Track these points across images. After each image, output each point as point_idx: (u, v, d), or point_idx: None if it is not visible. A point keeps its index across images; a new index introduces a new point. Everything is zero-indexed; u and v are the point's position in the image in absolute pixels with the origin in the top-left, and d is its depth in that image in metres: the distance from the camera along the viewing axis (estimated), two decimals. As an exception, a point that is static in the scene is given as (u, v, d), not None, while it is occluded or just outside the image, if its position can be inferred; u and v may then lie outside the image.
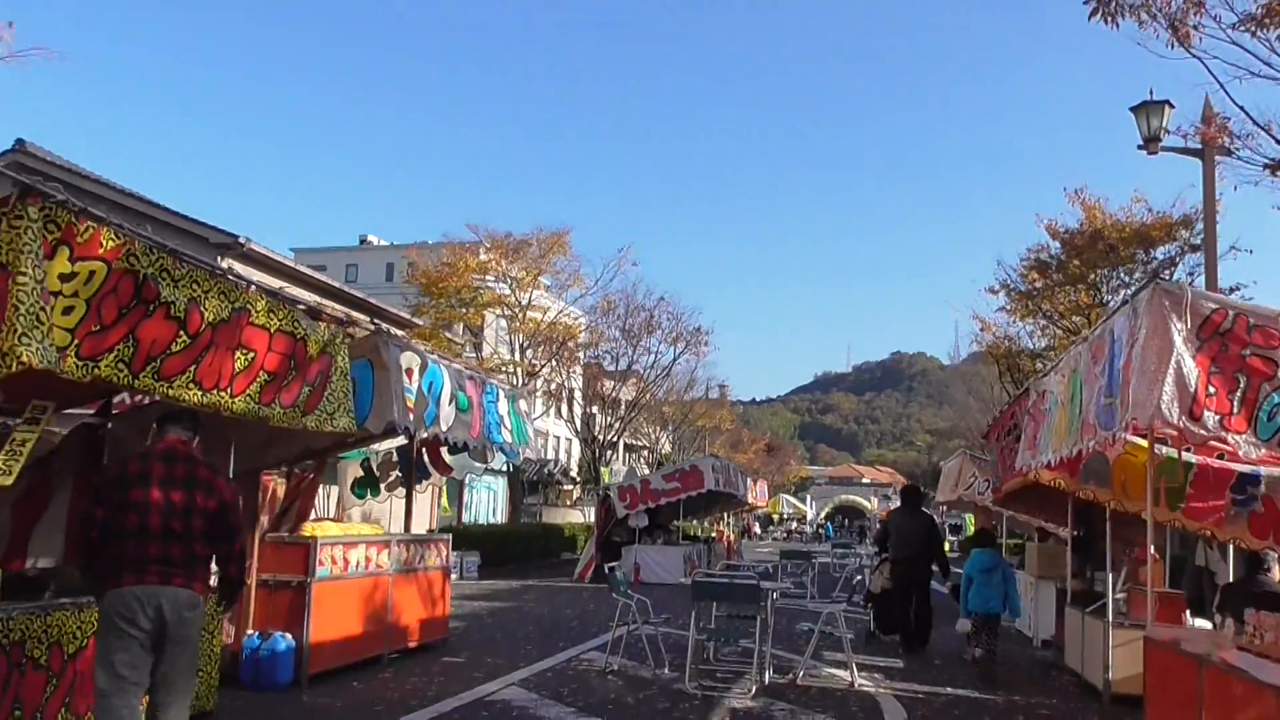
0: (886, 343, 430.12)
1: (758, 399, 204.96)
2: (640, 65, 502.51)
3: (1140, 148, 19.16)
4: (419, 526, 27.59)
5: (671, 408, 46.78)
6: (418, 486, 12.02)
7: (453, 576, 22.74)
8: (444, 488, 36.98)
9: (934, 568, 12.93)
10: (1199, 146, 17.80)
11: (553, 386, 37.66)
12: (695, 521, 36.25)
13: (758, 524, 72.95)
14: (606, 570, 9.52)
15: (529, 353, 29.03)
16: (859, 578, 21.06)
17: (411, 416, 8.18)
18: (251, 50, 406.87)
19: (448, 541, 11.38)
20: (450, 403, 9.08)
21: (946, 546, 27.34)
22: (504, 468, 39.67)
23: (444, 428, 8.97)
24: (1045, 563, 13.14)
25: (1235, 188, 15.19)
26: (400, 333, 8.62)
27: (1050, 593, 12.79)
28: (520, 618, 15.02)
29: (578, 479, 42.98)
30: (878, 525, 64.28)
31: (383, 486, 12.33)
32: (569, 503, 47.76)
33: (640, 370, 38.01)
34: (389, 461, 12.23)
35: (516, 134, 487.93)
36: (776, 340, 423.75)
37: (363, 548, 9.33)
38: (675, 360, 38.06)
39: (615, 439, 38.41)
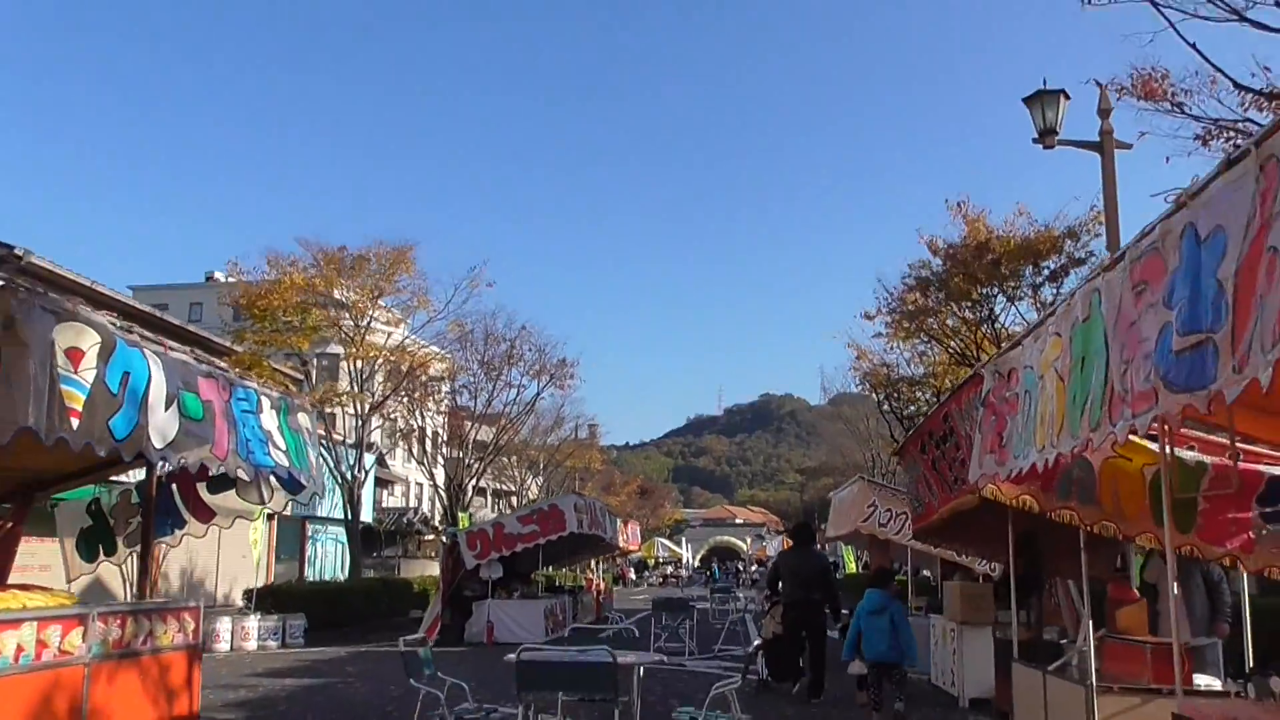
0: (756, 384, 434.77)
1: (631, 443, 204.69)
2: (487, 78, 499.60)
3: (1036, 142, 17.57)
4: (244, 582, 24.14)
5: (538, 449, 43.89)
6: (168, 539, 8.97)
7: (272, 644, 19.52)
8: (273, 540, 33.48)
9: (827, 610, 11.98)
10: (1096, 139, 16.55)
11: (402, 424, 34.36)
12: (563, 569, 33.37)
13: (632, 569, 70.29)
14: (402, 649, 6.60)
15: (371, 382, 25.82)
16: (743, 629, 18.71)
17: (78, 422, 5.28)
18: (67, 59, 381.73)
19: (197, 610, 8.27)
20: (168, 407, 6.19)
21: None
22: (339, 515, 36.19)
23: (157, 442, 6.06)
24: (970, 605, 10.85)
25: (1167, 159, 13.59)
26: (103, 317, 5.47)
27: (981, 643, 10.54)
28: (326, 702, 11.94)
29: (439, 527, 39.54)
30: (755, 565, 62.37)
31: (119, 540, 9.17)
32: (431, 554, 44.14)
33: (501, 407, 35.10)
34: (128, 503, 9.10)
35: (376, 149, 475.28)
36: (649, 385, 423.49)
37: (33, 626, 6.28)
38: (539, 395, 35.29)
39: (473, 481, 35.21)
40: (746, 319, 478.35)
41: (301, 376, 24.73)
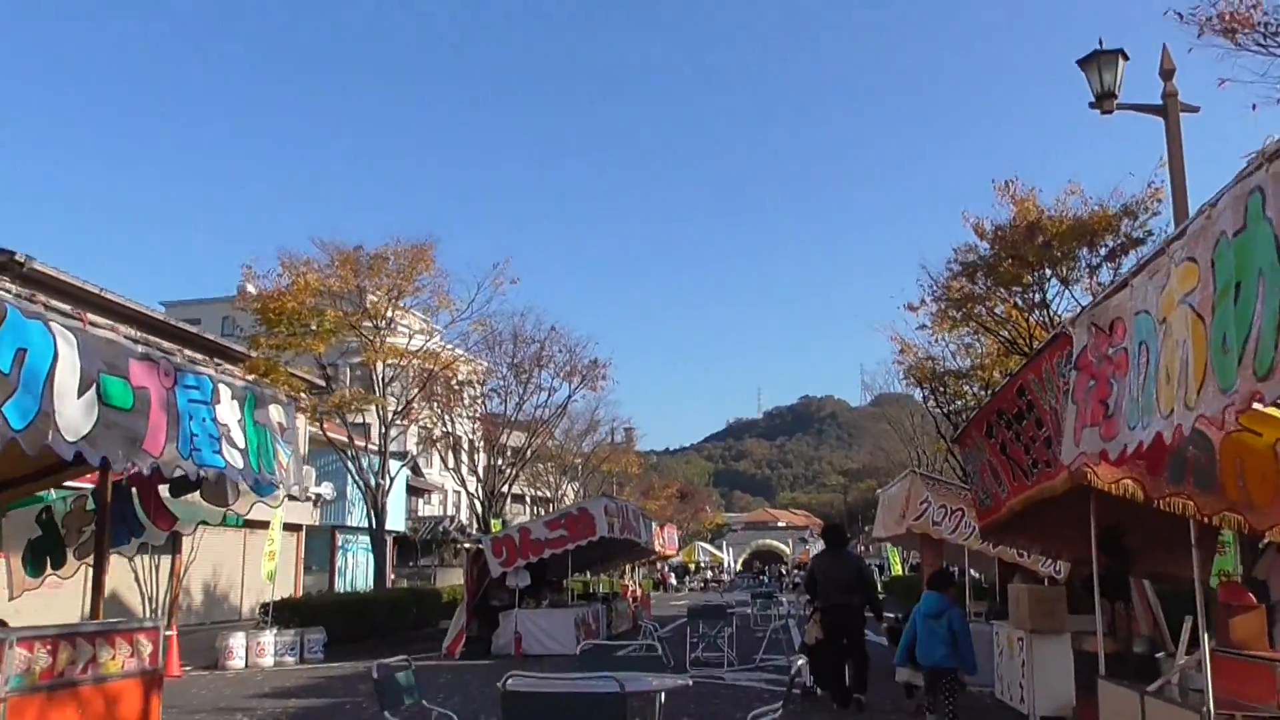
0: (796, 387, 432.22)
1: (671, 448, 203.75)
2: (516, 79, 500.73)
3: (1093, 107, 16.31)
4: (271, 595, 23.27)
5: (573, 454, 42.85)
6: (124, 549, 7.95)
7: (289, 660, 18.58)
8: (300, 550, 32.67)
9: (868, 613, 11.63)
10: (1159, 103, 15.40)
11: (437, 431, 33.44)
12: (597, 576, 32.28)
13: (673, 575, 69.08)
14: (374, 675, 5.47)
15: (394, 386, 24.84)
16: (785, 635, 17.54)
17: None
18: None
19: (156, 631, 7.20)
20: (82, 392, 5.15)
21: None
22: (361, 522, 35.32)
23: (68, 435, 5.01)
24: (1041, 611, 9.58)
25: (1254, 106, 12.22)
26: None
27: (1054, 654, 9.29)
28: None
29: (477, 535, 38.63)
30: (795, 569, 60.99)
31: (70, 552, 8.14)
32: (468, 563, 43.27)
33: (530, 410, 34.07)
34: (81, 511, 8.08)
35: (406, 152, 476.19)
36: (687, 389, 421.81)
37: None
38: (571, 397, 34.19)
39: (506, 488, 34.20)
40: (785, 320, 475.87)
41: (322, 382, 23.79)
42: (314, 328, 21.20)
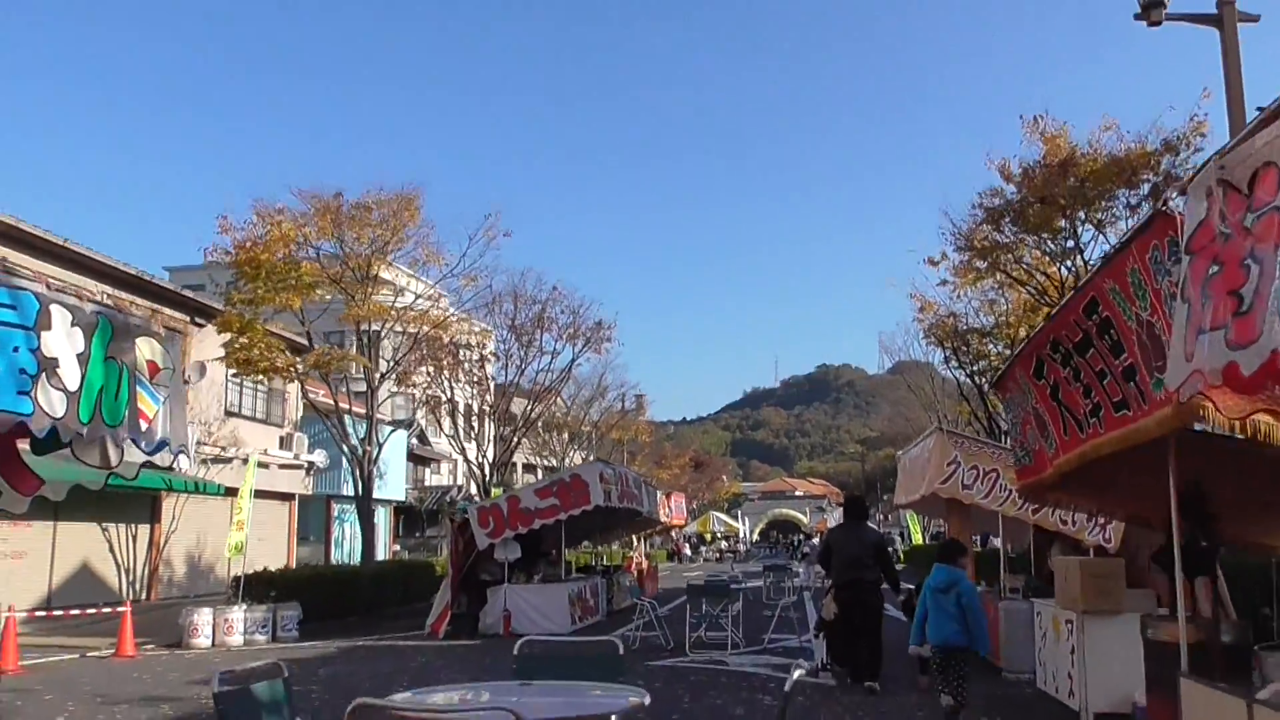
0: (813, 356, 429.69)
1: (688, 418, 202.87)
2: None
3: (1138, 18, 14.67)
4: (263, 567, 21.88)
5: (578, 420, 41.41)
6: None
7: (260, 638, 17.21)
8: (293, 521, 31.42)
9: (884, 587, 10.96)
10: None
11: (437, 396, 32.01)
12: (600, 547, 30.92)
13: (688, 545, 67.83)
14: (216, 689, 3.92)
15: (382, 347, 23.34)
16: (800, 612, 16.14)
17: None
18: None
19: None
20: None
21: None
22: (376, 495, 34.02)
23: None
24: (1096, 589, 8.03)
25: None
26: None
27: (1111, 638, 7.77)
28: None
29: (463, 504, 37.27)
30: (814, 541, 59.74)
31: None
32: (474, 533, 41.94)
33: (533, 375, 32.60)
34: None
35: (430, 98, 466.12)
36: (705, 359, 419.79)
37: None
38: (575, 360, 32.64)
39: (507, 455, 32.77)
40: (801, 289, 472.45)
41: (304, 340, 22.30)
42: (292, 282, 19.67)
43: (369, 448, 22.63)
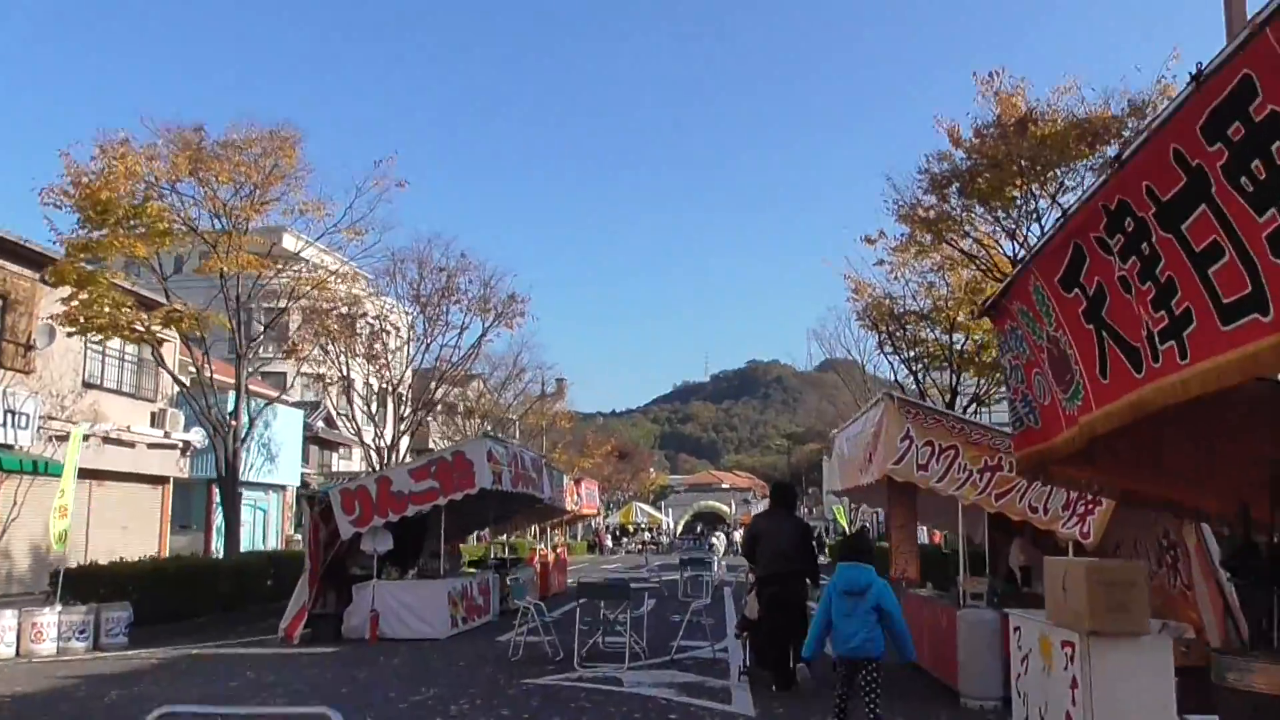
0: (743, 351, 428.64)
1: (618, 410, 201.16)
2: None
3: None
4: (140, 550, 18.88)
5: (490, 402, 38.74)
6: None
7: (78, 645, 14.29)
8: (167, 508, 28.32)
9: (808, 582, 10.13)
10: None
11: (327, 372, 29.15)
12: (517, 537, 28.36)
13: (610, 536, 65.56)
14: None
15: (252, 310, 20.46)
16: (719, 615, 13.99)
17: None
18: None
19: None
20: None
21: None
22: (266, 478, 31.00)
23: None
24: (1110, 602, 5.82)
25: None
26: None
27: (1132, 669, 5.61)
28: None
29: (321, 487, 34.39)
30: (737, 531, 57.90)
31: None
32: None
33: (438, 351, 29.92)
34: None
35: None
36: (637, 352, 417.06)
37: None
38: (485, 334, 29.95)
39: (407, 439, 30.00)
40: (734, 284, 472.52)
41: (158, 298, 19.37)
42: (138, 226, 16.80)
43: (235, 422, 19.80)
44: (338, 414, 36.09)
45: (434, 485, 14.26)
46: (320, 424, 41.23)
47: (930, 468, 9.04)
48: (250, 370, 21.02)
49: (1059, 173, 19.20)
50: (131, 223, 17.14)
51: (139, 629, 14.87)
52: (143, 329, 17.52)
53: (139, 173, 16.79)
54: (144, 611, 15.27)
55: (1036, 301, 4.67)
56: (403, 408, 30.42)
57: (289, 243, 25.46)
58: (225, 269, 18.43)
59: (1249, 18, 3.56)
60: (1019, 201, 19.90)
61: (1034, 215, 19.71)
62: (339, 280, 23.22)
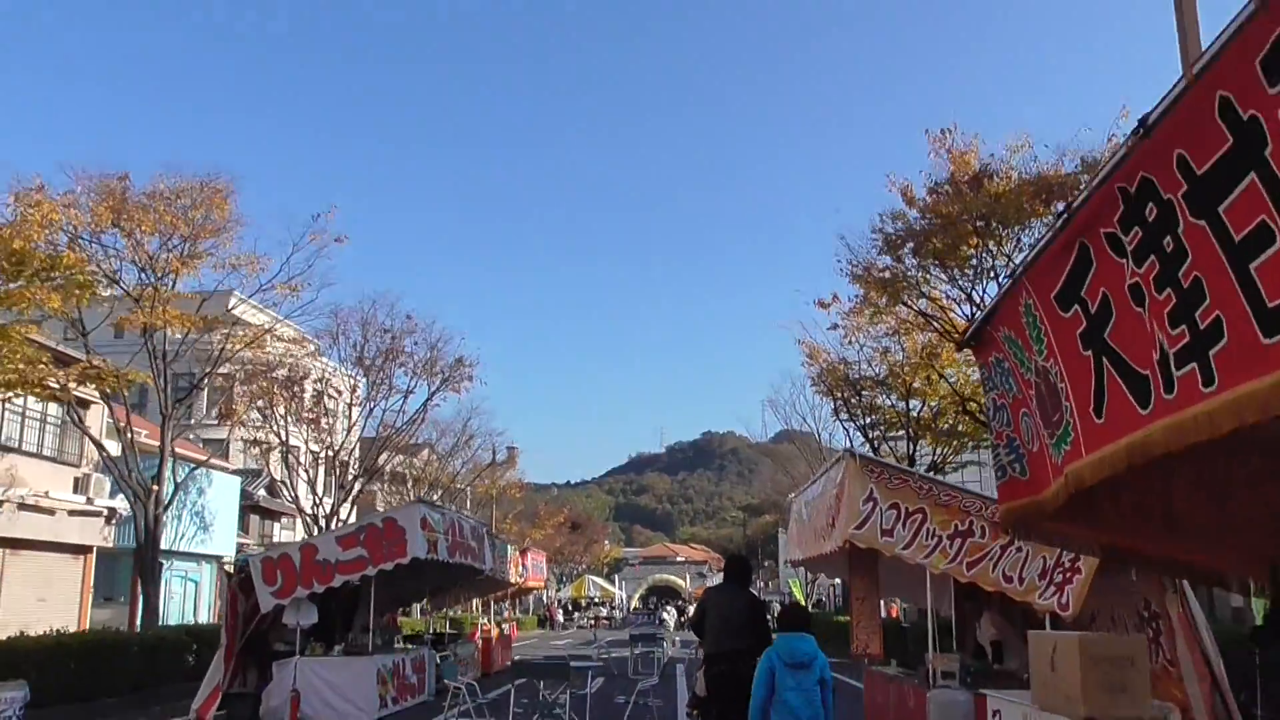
0: (698, 423, 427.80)
1: (572, 481, 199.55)
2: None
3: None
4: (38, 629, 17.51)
5: (435, 469, 37.52)
6: None
7: (-37, 733, 13.19)
8: (88, 578, 26.71)
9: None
10: None
11: (257, 437, 27.93)
12: (464, 611, 27.06)
13: (561, 610, 63.85)
14: None
15: (174, 368, 19.30)
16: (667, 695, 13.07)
17: None
18: None
19: None
20: None
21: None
22: (197, 548, 29.56)
23: None
24: (1104, 681, 5.08)
25: None
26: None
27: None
28: None
29: (242, 557, 32.90)
30: (692, 606, 56.69)
31: None
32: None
33: (380, 415, 28.85)
34: None
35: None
36: (591, 424, 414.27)
37: None
38: (430, 398, 28.96)
39: (346, 506, 28.74)
40: (688, 355, 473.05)
41: (74, 353, 18.24)
42: (61, 277, 15.80)
43: (156, 488, 18.60)
44: (280, 482, 34.73)
45: (363, 554, 13.23)
46: (262, 492, 39.81)
47: (895, 533, 8.28)
48: (189, 436, 19.96)
49: (1014, 231, 18.93)
50: (50, 275, 16.10)
51: (37, 711, 13.55)
52: (57, 386, 16.41)
53: (56, 220, 15.83)
54: (46, 691, 14.00)
55: (1026, 325, 3.99)
56: (346, 475, 29.21)
57: (235, 307, 24.47)
58: (149, 324, 17.41)
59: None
60: (974, 260, 19.57)
61: (990, 274, 19.34)
62: (275, 340, 22.22)
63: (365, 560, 13.24)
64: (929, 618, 8.74)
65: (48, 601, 24.31)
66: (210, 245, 17.97)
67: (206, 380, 20.28)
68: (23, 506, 21.95)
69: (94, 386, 17.67)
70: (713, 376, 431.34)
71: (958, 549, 8.23)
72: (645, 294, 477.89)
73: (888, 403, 28.77)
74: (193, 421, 40.30)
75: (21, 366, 15.94)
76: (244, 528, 36.91)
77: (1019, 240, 18.61)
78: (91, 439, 19.83)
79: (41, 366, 16.36)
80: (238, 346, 20.44)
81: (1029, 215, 18.51)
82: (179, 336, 18.73)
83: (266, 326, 22.30)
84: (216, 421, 26.23)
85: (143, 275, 18.01)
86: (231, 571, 13.69)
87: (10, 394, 15.78)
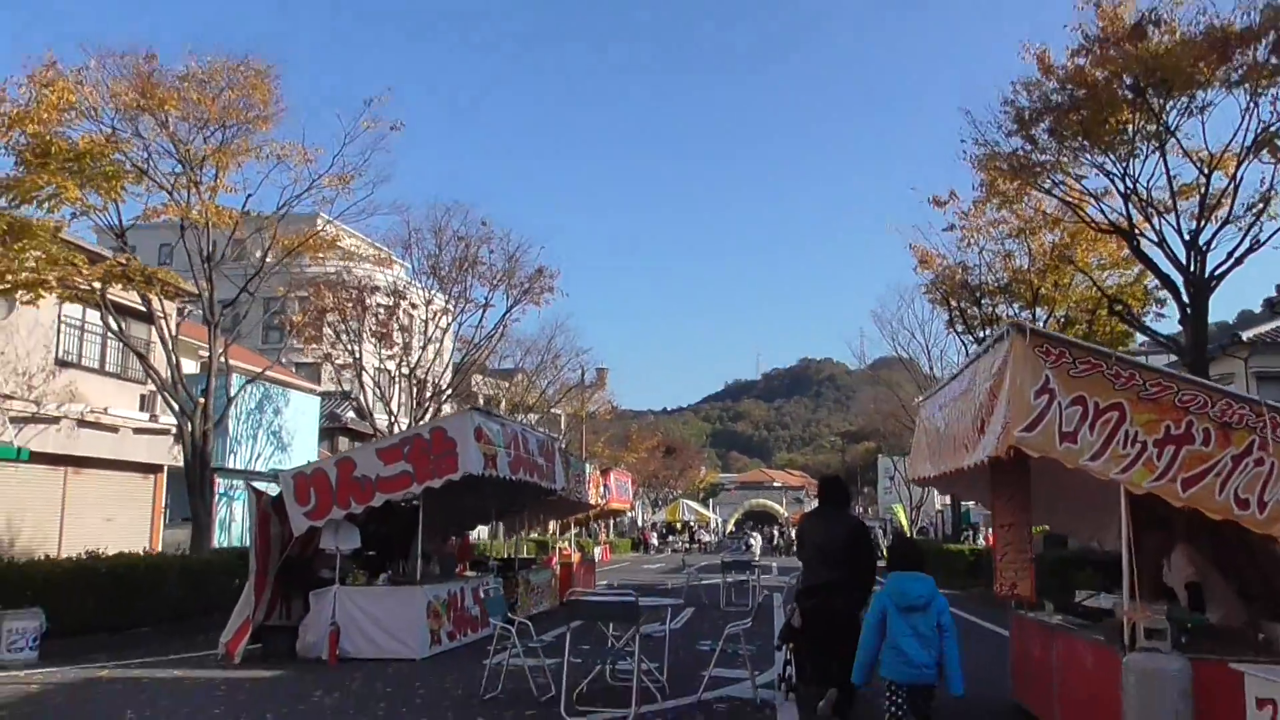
0: (795, 349, 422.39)
1: (669, 408, 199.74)
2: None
3: None
4: (126, 543, 16.34)
5: (522, 389, 35.89)
6: None
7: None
8: (160, 497, 25.87)
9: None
10: None
11: (331, 352, 26.52)
12: (518, 533, 25.43)
13: (655, 534, 62.66)
14: None
15: (220, 269, 17.57)
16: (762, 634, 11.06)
17: None
18: None
19: None
20: None
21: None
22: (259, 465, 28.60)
23: None
24: None
25: None
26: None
27: None
28: None
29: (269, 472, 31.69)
30: (788, 530, 54.40)
31: None
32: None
33: (459, 330, 27.16)
34: None
35: None
36: (688, 350, 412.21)
37: None
38: (510, 311, 27.05)
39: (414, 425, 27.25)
40: (786, 283, 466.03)
41: (106, 253, 16.65)
42: (88, 168, 14.12)
43: (202, 401, 17.12)
44: (348, 402, 33.57)
45: (407, 469, 11.38)
46: (350, 414, 38.88)
47: (1080, 437, 5.92)
48: (282, 360, 18.48)
49: (1178, 101, 15.88)
50: (77, 165, 14.45)
51: (57, 641, 12.26)
52: (86, 287, 14.90)
53: (73, 101, 14.07)
54: (70, 620, 12.68)
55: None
56: (424, 395, 27.66)
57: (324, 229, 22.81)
58: (186, 218, 15.72)
59: None
60: (1126, 136, 16.55)
61: (1152, 150, 16.34)
62: (350, 256, 20.50)
63: (410, 476, 11.40)
64: (1125, 554, 6.32)
65: (116, 522, 23.48)
66: (247, 132, 16.06)
67: (256, 291, 18.49)
68: (82, 423, 20.91)
69: (119, 286, 16.10)
70: (811, 301, 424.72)
71: (1170, 459, 5.84)
72: (746, 219, 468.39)
73: (1009, 312, 25.87)
74: (282, 345, 39.58)
75: (37, 259, 14.33)
76: (333, 448, 36.03)
77: (1188, 108, 15.56)
78: (131, 348, 18.44)
79: (70, 266, 14.84)
80: (293, 247, 18.62)
81: (1197, 81, 15.43)
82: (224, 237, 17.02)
83: (328, 223, 20.42)
84: (290, 335, 24.79)
85: (179, 168, 16.25)
86: (259, 492, 11.96)
87: (30, 295, 14.25)
